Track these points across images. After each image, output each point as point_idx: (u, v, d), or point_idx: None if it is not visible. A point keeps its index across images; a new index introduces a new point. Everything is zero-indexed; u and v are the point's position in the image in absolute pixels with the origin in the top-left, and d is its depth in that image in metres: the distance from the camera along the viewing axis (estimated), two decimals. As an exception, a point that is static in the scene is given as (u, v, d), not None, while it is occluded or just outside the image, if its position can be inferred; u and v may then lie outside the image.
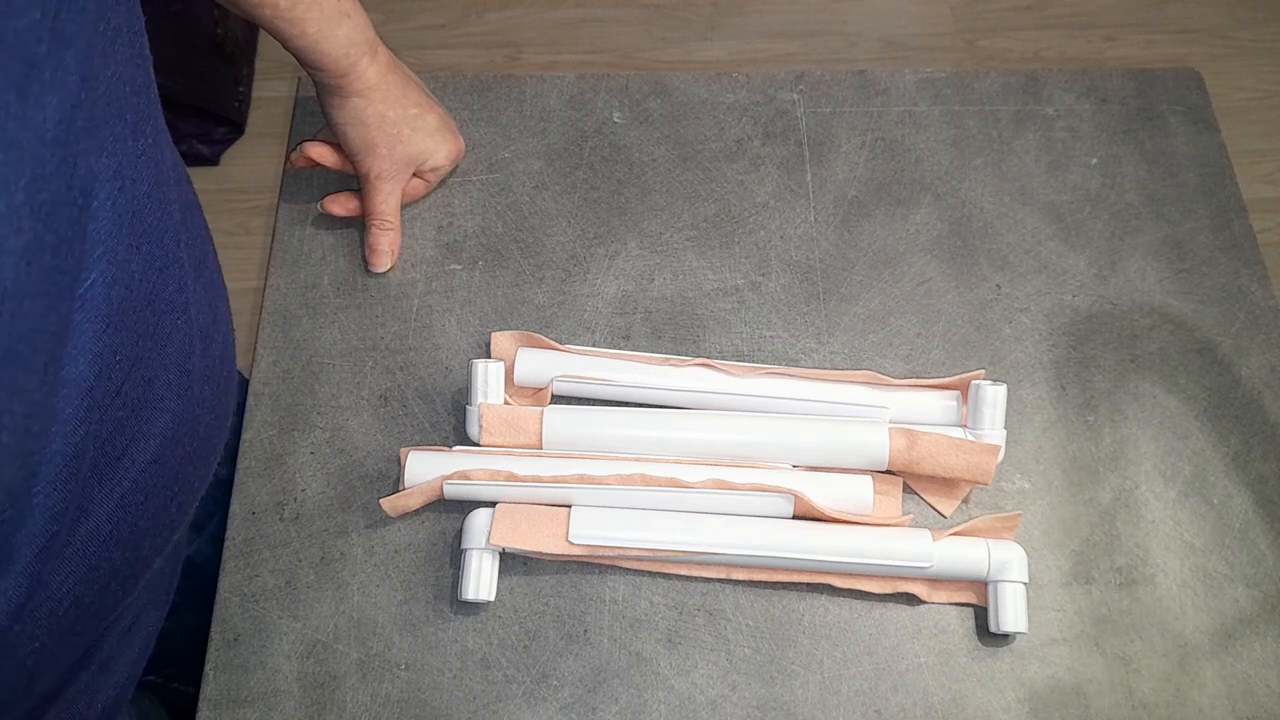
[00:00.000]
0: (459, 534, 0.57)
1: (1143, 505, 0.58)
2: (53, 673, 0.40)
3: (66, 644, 0.39)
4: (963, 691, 0.54)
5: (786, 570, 0.55)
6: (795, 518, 0.55)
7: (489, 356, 0.61)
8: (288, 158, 0.67)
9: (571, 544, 0.54)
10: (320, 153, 0.63)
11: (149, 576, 0.44)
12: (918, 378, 0.61)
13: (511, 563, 0.56)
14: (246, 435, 0.60)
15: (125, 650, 0.47)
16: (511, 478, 0.54)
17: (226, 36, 1.46)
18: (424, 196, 0.67)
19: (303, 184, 0.68)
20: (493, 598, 0.54)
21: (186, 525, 0.47)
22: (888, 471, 0.57)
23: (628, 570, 0.56)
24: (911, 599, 0.56)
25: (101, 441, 0.34)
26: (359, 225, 0.66)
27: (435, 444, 0.59)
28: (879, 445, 0.55)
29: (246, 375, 0.62)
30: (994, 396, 0.56)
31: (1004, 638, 0.55)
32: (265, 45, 1.64)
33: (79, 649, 0.41)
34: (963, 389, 0.59)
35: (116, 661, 0.46)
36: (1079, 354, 0.62)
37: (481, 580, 0.54)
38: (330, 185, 0.67)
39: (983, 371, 0.60)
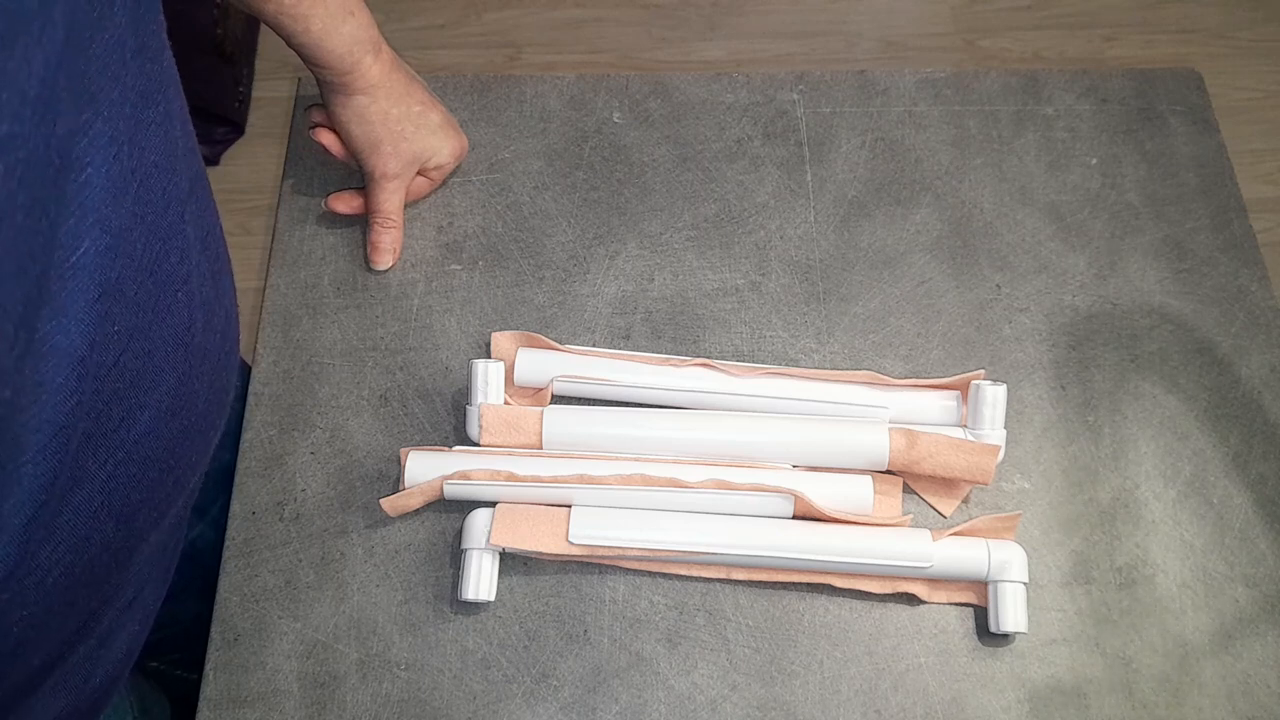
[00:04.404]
0: (459, 534, 0.57)
1: (1143, 505, 0.58)
2: (46, 644, 0.40)
3: (59, 615, 0.39)
4: (963, 691, 0.54)
5: (786, 570, 0.55)
6: (795, 518, 0.55)
7: (489, 356, 0.61)
8: (288, 158, 0.67)
9: (571, 544, 0.54)
10: (329, 139, 0.63)
11: (146, 551, 0.43)
12: (918, 378, 0.61)
13: (511, 563, 0.56)
14: (246, 435, 0.60)
15: (125, 625, 0.46)
16: (511, 478, 0.54)
17: (226, 36, 1.46)
18: (428, 195, 0.67)
19: (303, 184, 0.68)
20: (493, 598, 0.54)
21: (186, 503, 0.47)
22: (888, 471, 0.57)
23: (628, 570, 0.56)
24: (911, 599, 0.56)
25: (96, 412, 0.34)
26: (359, 225, 0.66)
27: (435, 444, 0.59)
28: (879, 445, 0.55)
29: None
30: (994, 396, 0.56)
31: (1004, 638, 0.55)
32: (265, 45, 1.64)
33: (74, 621, 0.41)
34: (963, 389, 0.59)
35: (115, 636, 0.46)
36: (1079, 354, 0.62)
37: (481, 580, 0.54)
38: (332, 184, 0.67)
39: (983, 371, 0.60)
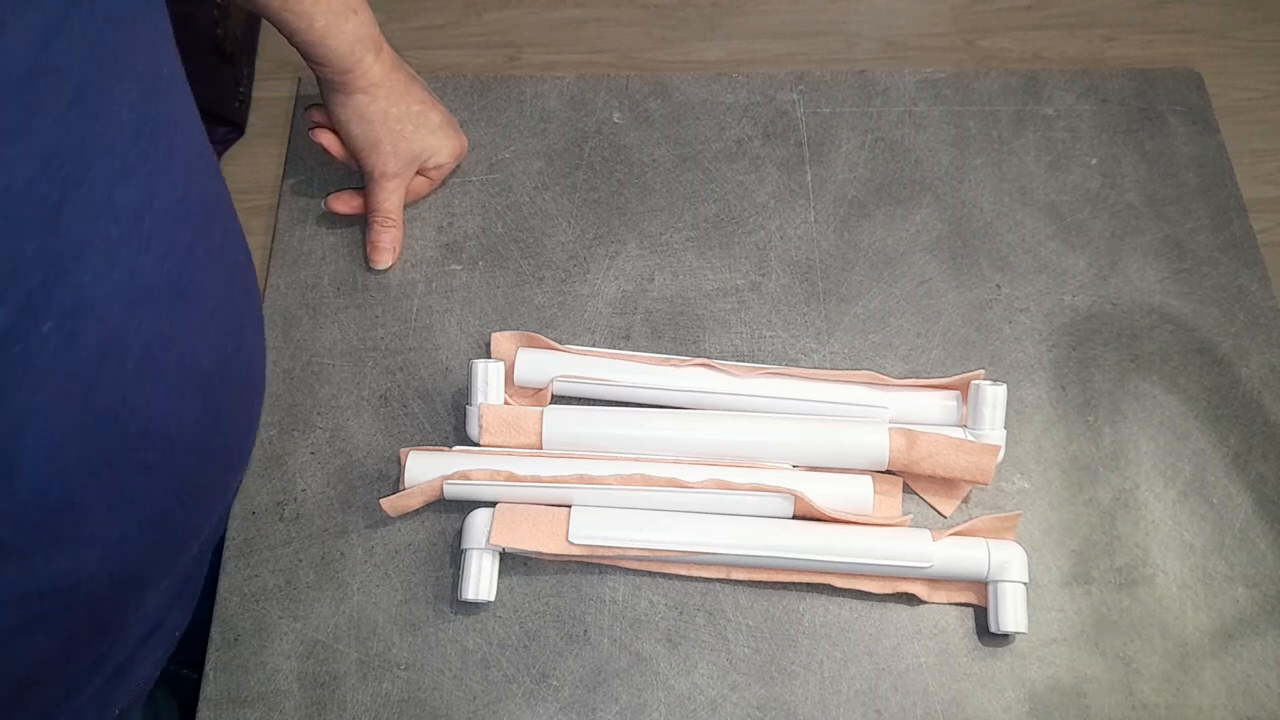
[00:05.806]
0: (459, 534, 0.57)
1: (1143, 505, 0.58)
2: (55, 680, 0.39)
3: (66, 653, 0.38)
4: (963, 691, 0.54)
5: (786, 570, 0.55)
6: (795, 518, 0.55)
7: (489, 356, 0.61)
8: (288, 158, 0.67)
9: (571, 544, 0.54)
10: (329, 139, 0.63)
11: (157, 594, 0.43)
12: (918, 378, 0.61)
13: (511, 563, 0.56)
14: (246, 435, 0.60)
15: (147, 657, 0.46)
16: (511, 478, 0.54)
17: (226, 36, 1.46)
18: (427, 194, 0.67)
19: (303, 184, 0.68)
20: (493, 598, 0.54)
21: (204, 547, 0.46)
22: (888, 471, 0.57)
23: (628, 570, 0.56)
24: (911, 599, 0.55)
25: (98, 461, 0.34)
26: (359, 225, 0.66)
27: (435, 444, 0.59)
28: (879, 445, 0.55)
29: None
30: (994, 396, 0.56)
31: (1004, 638, 0.55)
32: (265, 45, 1.64)
33: (85, 658, 0.40)
34: (963, 389, 0.59)
35: (135, 669, 0.45)
36: (1079, 354, 0.62)
37: (481, 580, 0.54)
38: (332, 184, 0.67)
39: (983, 371, 0.60)
